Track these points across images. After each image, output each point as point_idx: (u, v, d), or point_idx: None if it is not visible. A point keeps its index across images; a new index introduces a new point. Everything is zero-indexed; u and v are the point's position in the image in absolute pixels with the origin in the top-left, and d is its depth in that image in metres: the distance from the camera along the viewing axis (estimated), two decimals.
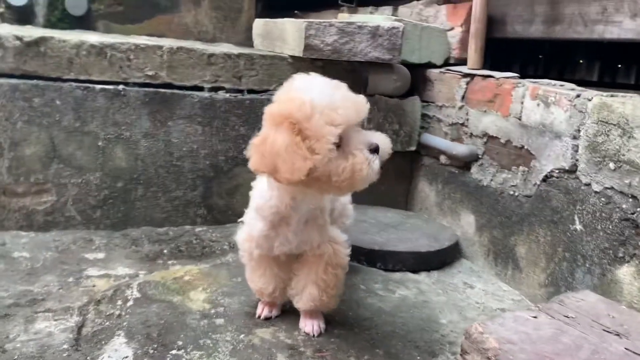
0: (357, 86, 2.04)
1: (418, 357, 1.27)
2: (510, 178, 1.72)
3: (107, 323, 1.30)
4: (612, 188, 1.36)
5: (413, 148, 2.18)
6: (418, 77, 2.19)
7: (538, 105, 1.61)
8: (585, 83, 1.92)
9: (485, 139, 1.84)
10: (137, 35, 2.35)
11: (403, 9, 2.48)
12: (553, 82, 1.67)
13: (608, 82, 2.04)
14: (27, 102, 1.74)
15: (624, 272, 1.32)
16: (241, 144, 1.94)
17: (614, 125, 1.35)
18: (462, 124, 1.95)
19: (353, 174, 1.08)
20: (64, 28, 2.34)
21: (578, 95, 1.48)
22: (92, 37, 1.85)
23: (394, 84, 2.13)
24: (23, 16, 2.35)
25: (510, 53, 2.21)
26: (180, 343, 1.24)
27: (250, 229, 1.27)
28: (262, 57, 1.97)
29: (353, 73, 2.06)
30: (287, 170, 1.04)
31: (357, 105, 1.11)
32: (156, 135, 1.88)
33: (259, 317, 1.37)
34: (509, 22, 2.02)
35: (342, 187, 1.11)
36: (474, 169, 1.89)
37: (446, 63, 2.17)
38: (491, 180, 1.81)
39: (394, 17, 2.21)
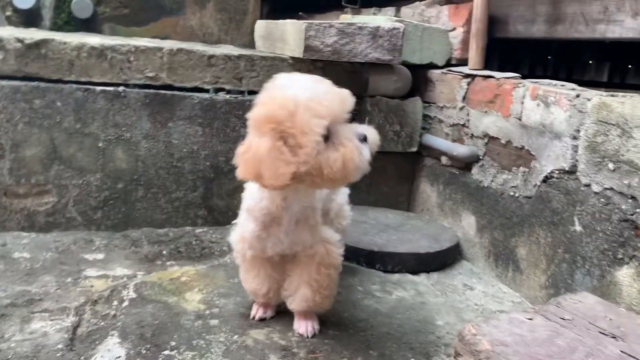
0: (358, 87, 2.04)
1: (412, 359, 1.26)
2: (511, 179, 1.71)
3: (102, 323, 1.31)
4: (611, 189, 1.34)
5: (414, 149, 2.16)
6: (419, 78, 2.18)
7: (538, 105, 1.59)
8: (595, 84, 1.90)
9: (486, 140, 1.82)
10: (139, 38, 2.36)
11: (405, 10, 2.47)
12: (554, 82, 1.65)
13: (617, 82, 2.02)
14: (28, 103, 1.76)
15: (623, 274, 1.30)
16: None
17: (613, 125, 1.33)
18: (463, 125, 1.94)
19: (345, 164, 1.08)
20: (70, 31, 2.36)
21: (578, 95, 1.46)
22: (93, 39, 1.86)
23: (394, 85, 2.12)
24: (30, 19, 2.38)
25: (518, 54, 2.19)
26: (173, 343, 1.24)
27: (242, 230, 1.27)
28: (262, 58, 1.97)
29: (353, 74, 2.05)
30: (271, 176, 1.05)
31: (342, 97, 1.11)
32: (156, 136, 1.89)
33: (254, 318, 1.36)
34: (511, 22, 2.00)
35: (336, 179, 1.11)
36: (475, 169, 1.87)
37: (448, 64, 2.15)
38: (492, 181, 1.79)
39: (395, 18, 2.20)
